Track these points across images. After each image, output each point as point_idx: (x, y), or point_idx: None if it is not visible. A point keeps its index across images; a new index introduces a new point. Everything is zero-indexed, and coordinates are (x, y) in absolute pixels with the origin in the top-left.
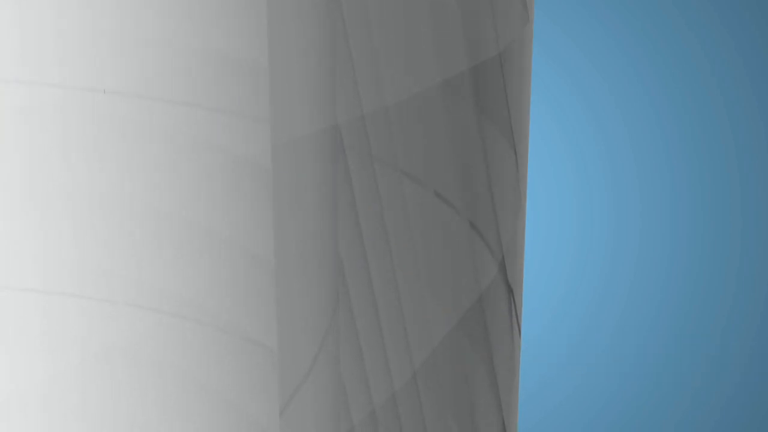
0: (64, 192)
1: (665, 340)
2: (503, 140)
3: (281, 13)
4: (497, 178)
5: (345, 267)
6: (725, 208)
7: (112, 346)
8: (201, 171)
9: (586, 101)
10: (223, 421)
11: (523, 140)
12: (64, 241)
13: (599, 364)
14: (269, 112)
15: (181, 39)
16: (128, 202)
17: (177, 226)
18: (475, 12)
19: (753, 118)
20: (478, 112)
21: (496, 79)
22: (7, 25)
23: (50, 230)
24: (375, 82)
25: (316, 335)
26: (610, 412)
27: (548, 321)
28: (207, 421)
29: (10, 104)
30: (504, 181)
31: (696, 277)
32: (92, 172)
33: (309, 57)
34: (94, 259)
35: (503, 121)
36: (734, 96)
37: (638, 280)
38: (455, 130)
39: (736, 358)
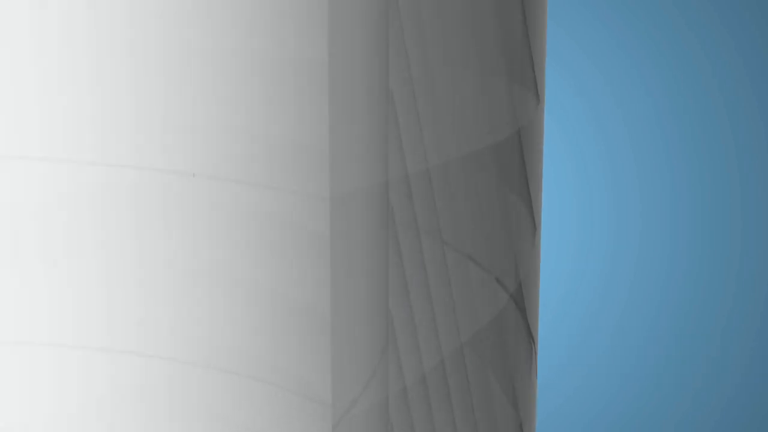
0: (163, 263)
1: (665, 341)
2: (523, 207)
3: (342, 104)
4: (518, 239)
5: (394, 320)
6: (725, 208)
7: (187, 404)
8: (271, 242)
9: (586, 102)
10: None
11: (538, 204)
12: (159, 306)
13: (599, 365)
14: (329, 192)
15: (261, 127)
16: (212, 271)
17: (249, 293)
18: (495, 98)
19: (753, 118)
20: (502, 184)
21: (515, 153)
22: (124, 116)
23: (149, 297)
24: (419, 156)
25: (362, 378)
26: (610, 412)
27: (548, 321)
28: None
29: (121, 186)
30: (523, 242)
31: (696, 278)
32: (185, 245)
33: (366, 140)
34: (184, 324)
35: (523, 190)
36: (734, 96)
37: (638, 280)
38: (483, 200)
39: (737, 359)
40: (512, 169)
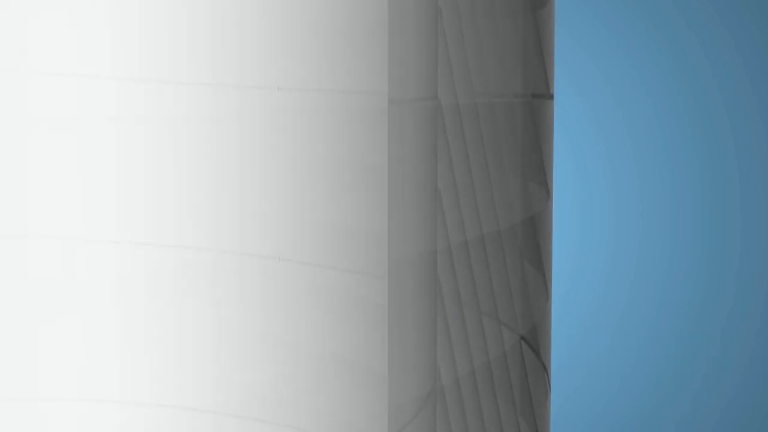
0: (260, 333)
1: (665, 341)
2: (539, 276)
3: (398, 201)
4: (535, 303)
5: (441, 372)
6: (725, 208)
7: None
8: (339, 314)
9: (587, 102)
10: None
11: (549, 273)
12: (257, 372)
13: (599, 365)
14: (387, 271)
15: (331, 219)
16: (292, 340)
17: (319, 358)
18: (516, 192)
19: (753, 118)
20: (522, 258)
21: (530, 235)
22: (226, 209)
23: (247, 363)
24: (460, 236)
25: (409, 417)
26: (610, 412)
27: None
28: None
29: (226, 272)
30: (539, 304)
31: (696, 277)
32: (280, 320)
33: (417, 229)
34: (282, 390)
35: (538, 263)
36: (734, 96)
37: (638, 280)
38: (509, 272)
39: (736, 359)
40: (529, 247)
